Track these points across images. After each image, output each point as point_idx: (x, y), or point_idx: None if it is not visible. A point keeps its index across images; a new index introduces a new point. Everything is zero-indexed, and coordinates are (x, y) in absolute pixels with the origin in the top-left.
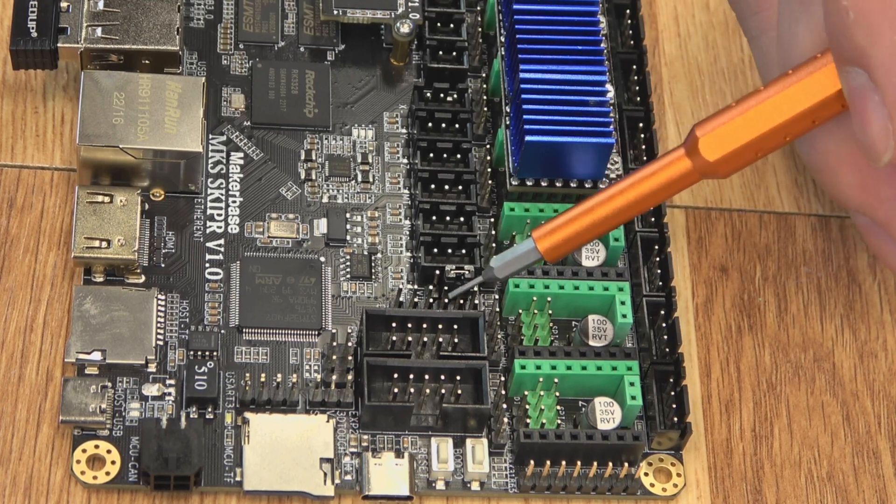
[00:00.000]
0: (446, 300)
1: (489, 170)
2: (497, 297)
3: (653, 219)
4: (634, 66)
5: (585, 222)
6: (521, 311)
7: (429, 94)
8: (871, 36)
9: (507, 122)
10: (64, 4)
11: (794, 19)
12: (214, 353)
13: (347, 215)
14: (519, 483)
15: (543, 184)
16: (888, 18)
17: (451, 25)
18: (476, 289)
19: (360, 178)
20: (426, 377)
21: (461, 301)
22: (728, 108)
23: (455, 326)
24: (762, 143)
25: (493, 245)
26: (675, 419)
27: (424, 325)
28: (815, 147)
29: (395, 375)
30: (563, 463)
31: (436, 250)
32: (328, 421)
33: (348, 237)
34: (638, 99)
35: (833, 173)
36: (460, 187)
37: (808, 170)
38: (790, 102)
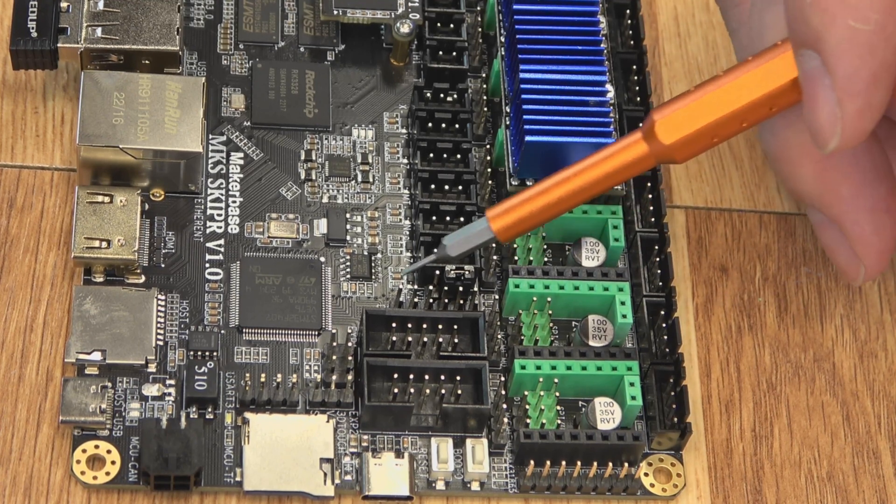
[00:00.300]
0: (401, 276)
1: (489, 170)
2: (497, 297)
3: (653, 219)
4: (634, 66)
5: (540, 203)
6: (521, 311)
7: (429, 94)
8: (826, 19)
9: (507, 122)
10: (64, 4)
11: (763, 8)
12: (214, 353)
13: (347, 215)
14: (519, 483)
15: None
16: (843, 2)
17: (451, 25)
18: (476, 289)
19: (360, 178)
20: (426, 377)
21: (461, 301)
22: (687, 93)
23: (455, 326)
24: (719, 129)
25: (493, 245)
26: (675, 419)
27: (424, 326)
28: (776, 136)
29: (395, 375)
30: (563, 463)
31: (436, 250)
32: (328, 421)
33: (348, 237)
34: (638, 99)
35: (792, 164)
36: (460, 187)
37: (768, 159)
38: (747, 88)
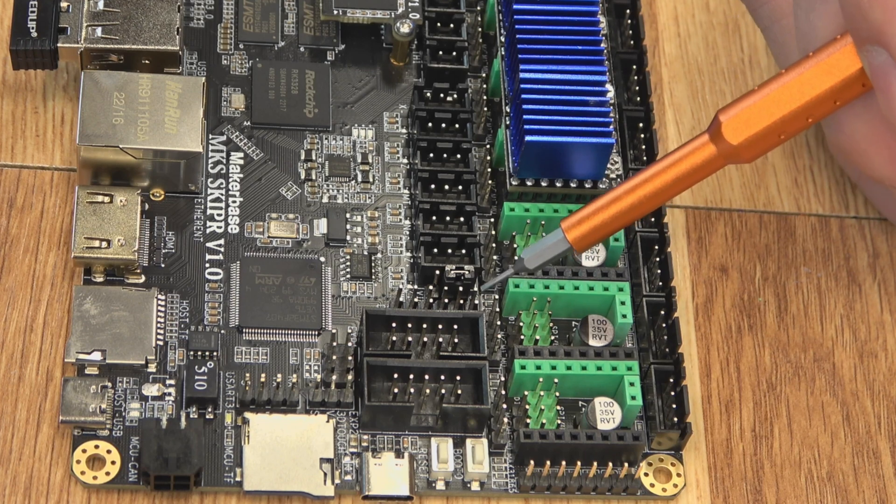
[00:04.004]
0: (479, 291)
1: (489, 170)
2: (497, 297)
3: (653, 219)
4: (634, 66)
5: (613, 211)
6: (521, 311)
7: (429, 94)
8: (887, 13)
9: (507, 122)
10: (64, 4)
11: (809, 8)
12: (214, 353)
13: (347, 215)
14: (519, 483)
15: (543, 184)
16: None
17: (451, 25)
18: (476, 289)
19: (360, 178)
20: (426, 377)
21: (461, 301)
22: (751, 93)
23: (455, 326)
24: (785, 126)
25: (493, 245)
26: (675, 419)
27: (424, 325)
28: (843, 131)
29: (395, 375)
30: (563, 463)
31: (436, 250)
32: (328, 421)
33: (348, 237)
34: (638, 99)
35: (865, 155)
36: (460, 187)
37: (837, 153)
38: (811, 84)
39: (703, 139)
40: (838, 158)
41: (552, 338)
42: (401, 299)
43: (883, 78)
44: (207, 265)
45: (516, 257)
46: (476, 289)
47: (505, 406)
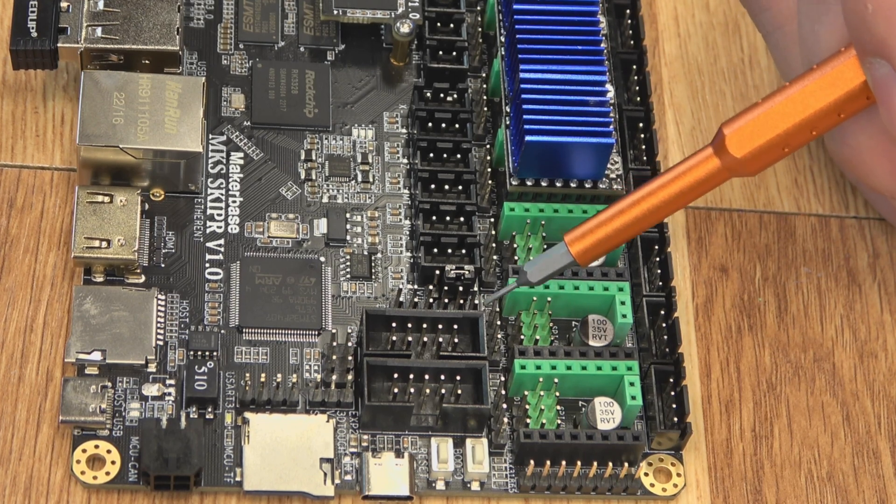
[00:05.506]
0: (483, 307)
1: (489, 170)
2: None
3: None
4: (634, 66)
5: (616, 224)
6: (521, 311)
7: (429, 94)
8: (891, 26)
9: (507, 122)
10: (64, 4)
11: (814, 19)
12: (214, 353)
13: (347, 215)
14: (519, 483)
15: (543, 184)
16: None
17: (451, 25)
18: (476, 289)
19: (360, 178)
20: (426, 377)
21: (461, 301)
22: (754, 106)
23: (455, 326)
24: (789, 139)
25: (493, 245)
26: (675, 419)
27: (424, 325)
28: (846, 142)
29: (395, 375)
30: (563, 463)
31: (436, 250)
32: (328, 421)
33: (348, 237)
34: (638, 99)
35: (866, 166)
36: (460, 187)
37: (839, 164)
38: (815, 97)
39: (707, 152)
40: (839, 166)
41: (552, 338)
42: (401, 299)
43: (885, 90)
44: (207, 265)
45: (519, 271)
46: (476, 289)
47: (505, 406)
